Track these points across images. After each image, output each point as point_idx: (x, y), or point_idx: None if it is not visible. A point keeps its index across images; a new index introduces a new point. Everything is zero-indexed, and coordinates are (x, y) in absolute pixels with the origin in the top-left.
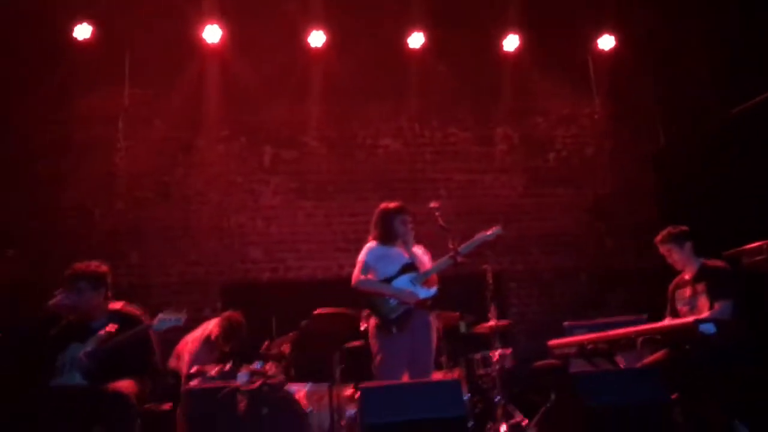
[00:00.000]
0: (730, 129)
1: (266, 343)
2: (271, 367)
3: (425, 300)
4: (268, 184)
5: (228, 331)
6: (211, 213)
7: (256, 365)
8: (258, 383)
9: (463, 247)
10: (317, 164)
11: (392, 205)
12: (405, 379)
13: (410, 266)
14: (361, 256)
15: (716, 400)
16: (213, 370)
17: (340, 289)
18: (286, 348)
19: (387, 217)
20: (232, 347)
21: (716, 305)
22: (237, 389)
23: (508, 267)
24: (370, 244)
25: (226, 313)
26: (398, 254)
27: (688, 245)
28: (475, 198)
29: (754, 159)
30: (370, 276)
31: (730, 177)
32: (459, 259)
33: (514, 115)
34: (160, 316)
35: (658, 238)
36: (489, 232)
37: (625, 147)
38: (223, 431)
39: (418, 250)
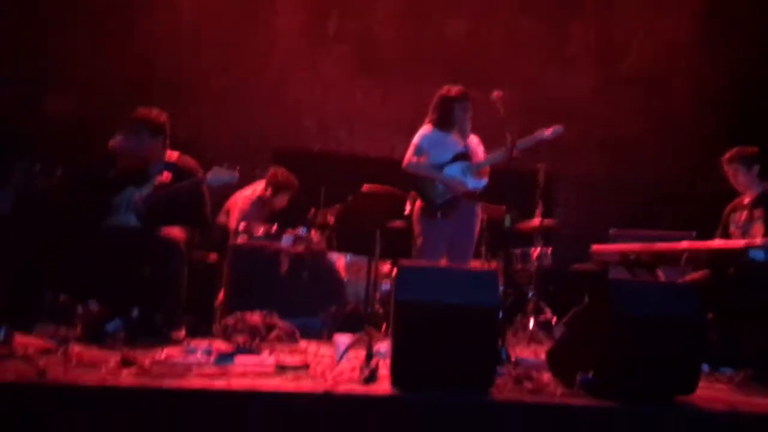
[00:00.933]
0: None
1: (312, 210)
2: (314, 235)
3: (474, 190)
4: (330, 52)
5: (276, 181)
6: (272, 75)
7: (301, 231)
8: (301, 248)
9: (520, 143)
10: (382, 38)
11: (454, 90)
12: (443, 263)
13: (464, 155)
14: (416, 139)
15: (753, 325)
16: (259, 230)
17: (389, 169)
18: (331, 218)
19: (447, 102)
20: (281, 202)
21: None
22: (281, 251)
23: (562, 168)
24: (426, 128)
25: (273, 168)
26: (453, 142)
27: (755, 168)
28: (540, 93)
29: None
30: (422, 160)
31: None
32: (515, 153)
33: (595, 14)
34: (215, 169)
35: (727, 156)
36: (549, 132)
37: (709, 61)
38: (264, 288)
39: (474, 140)
